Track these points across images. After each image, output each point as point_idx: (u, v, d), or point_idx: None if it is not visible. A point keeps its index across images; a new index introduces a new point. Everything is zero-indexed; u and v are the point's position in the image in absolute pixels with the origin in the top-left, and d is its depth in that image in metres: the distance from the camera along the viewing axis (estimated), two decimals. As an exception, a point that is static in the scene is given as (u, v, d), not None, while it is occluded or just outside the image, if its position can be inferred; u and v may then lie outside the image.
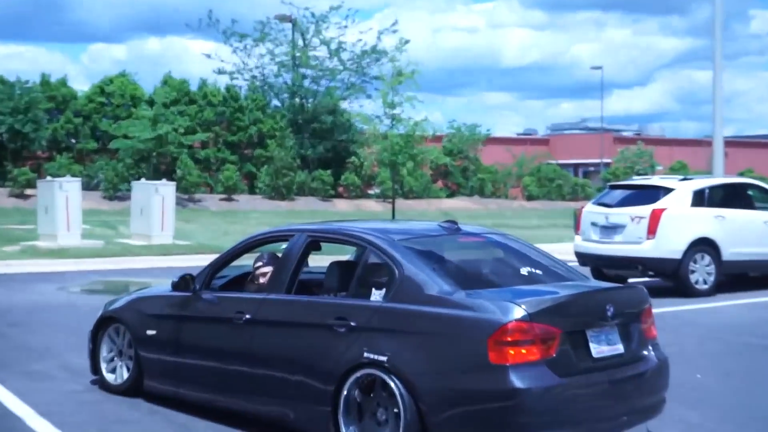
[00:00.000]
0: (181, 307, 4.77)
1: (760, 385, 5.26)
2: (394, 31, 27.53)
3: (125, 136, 24.60)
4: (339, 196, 28.35)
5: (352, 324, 3.83)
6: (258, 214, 23.44)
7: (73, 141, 25.53)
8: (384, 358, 3.64)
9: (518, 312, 3.39)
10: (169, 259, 12.46)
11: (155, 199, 14.43)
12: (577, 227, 10.27)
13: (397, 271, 3.84)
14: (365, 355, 3.70)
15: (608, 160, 37.29)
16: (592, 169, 40.74)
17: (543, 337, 3.45)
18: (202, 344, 4.61)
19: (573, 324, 3.61)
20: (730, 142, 31.18)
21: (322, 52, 27.05)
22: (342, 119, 27.44)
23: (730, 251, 9.15)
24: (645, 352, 3.92)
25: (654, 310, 4.07)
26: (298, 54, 26.87)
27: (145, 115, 24.87)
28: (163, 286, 5.26)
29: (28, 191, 20.94)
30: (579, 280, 4.25)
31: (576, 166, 41.68)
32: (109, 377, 5.09)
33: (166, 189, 14.91)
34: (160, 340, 4.82)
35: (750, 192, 10.18)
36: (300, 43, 26.85)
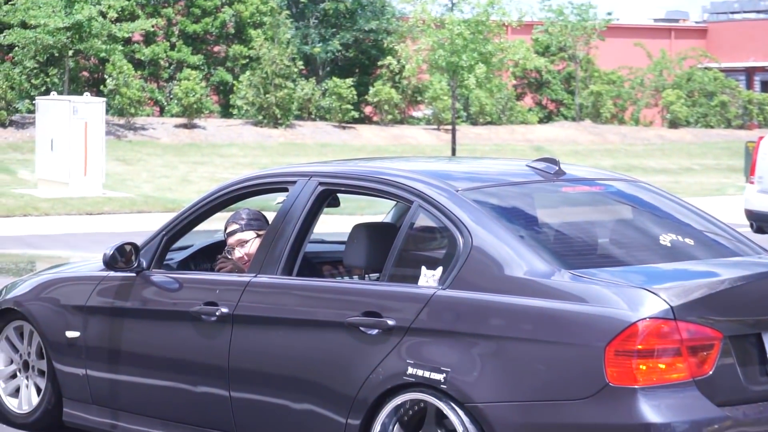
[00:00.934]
0: (118, 294, 3.70)
1: None
2: None
3: (24, 25, 16.28)
4: (366, 120, 19.35)
5: (390, 323, 2.94)
6: (236, 148, 17.21)
7: None
8: (440, 377, 2.81)
9: (656, 305, 2.57)
10: (96, 220, 9.53)
11: (74, 124, 10.47)
12: (751, 170, 7.66)
13: (462, 240, 2.92)
14: (410, 371, 2.87)
15: None
16: None
17: (694, 344, 2.67)
18: (152, 353, 3.59)
19: (742, 324, 2.80)
20: None
21: None
22: (369, 1, 18.42)
23: None
24: None
25: None
26: None
27: None
28: (89, 262, 4.29)
29: None
30: (752, 255, 3.25)
31: (751, 71, 27.70)
32: (10, 403, 4.04)
33: (91, 108, 10.74)
34: (87, 346, 3.76)
35: None
36: None
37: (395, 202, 3.57)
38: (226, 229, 3.74)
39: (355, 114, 19.58)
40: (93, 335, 3.78)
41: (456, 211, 2.97)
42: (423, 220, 3.17)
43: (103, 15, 17.35)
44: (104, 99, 13.32)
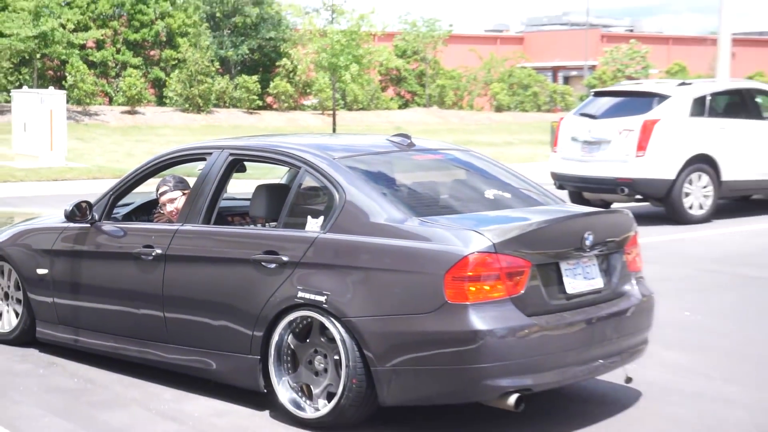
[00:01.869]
0: (77, 240, 4.30)
1: (756, 323, 4.90)
2: None
3: (0, 34, 19.95)
4: (268, 107, 23.87)
5: (284, 259, 3.44)
6: (169, 129, 20.86)
7: None
8: (322, 298, 3.29)
9: (481, 242, 3.07)
10: (60, 185, 11.16)
11: (41, 111, 12.88)
12: (554, 143, 9.27)
13: (338, 196, 3.44)
14: (300, 294, 3.35)
15: (594, 63, 32.28)
16: (574, 73, 35.71)
17: (510, 271, 3.14)
18: (104, 284, 4.18)
19: (545, 256, 3.31)
20: (739, 41, 26.75)
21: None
22: (270, 12, 23.46)
23: (731, 171, 8.38)
24: (627, 288, 3.64)
25: (640, 239, 3.77)
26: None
27: (24, 7, 20.00)
28: (54, 216, 4.77)
29: None
30: (554, 205, 3.89)
31: (555, 69, 36.59)
32: None
33: (55, 99, 13.28)
34: (53, 280, 4.38)
35: (759, 99, 9.11)
36: None
37: (288, 168, 4.03)
38: (158, 190, 4.23)
39: (260, 103, 24.40)
40: (58, 272, 4.34)
41: (333, 174, 3.45)
42: (309, 182, 3.66)
43: (63, 26, 21.75)
44: (65, 92, 15.40)
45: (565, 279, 3.30)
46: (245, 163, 3.96)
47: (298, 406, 3.26)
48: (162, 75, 24.17)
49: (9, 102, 14.91)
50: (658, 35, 41.16)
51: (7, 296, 4.60)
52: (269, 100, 24.23)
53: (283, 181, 4.15)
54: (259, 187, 3.79)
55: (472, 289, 3.05)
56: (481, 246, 3.02)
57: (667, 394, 3.67)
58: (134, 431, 3.13)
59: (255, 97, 23.23)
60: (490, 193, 3.80)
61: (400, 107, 27.08)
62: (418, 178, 3.94)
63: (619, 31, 41.68)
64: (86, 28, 22.70)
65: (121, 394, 3.67)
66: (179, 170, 4.24)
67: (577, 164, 8.62)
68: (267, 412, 3.31)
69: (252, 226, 3.98)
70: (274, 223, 3.66)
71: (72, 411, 3.36)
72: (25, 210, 8.71)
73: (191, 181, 4.02)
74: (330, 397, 3.20)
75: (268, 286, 3.40)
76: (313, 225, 3.48)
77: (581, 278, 3.38)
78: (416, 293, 3.15)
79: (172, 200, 4.06)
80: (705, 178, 8.31)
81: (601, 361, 3.39)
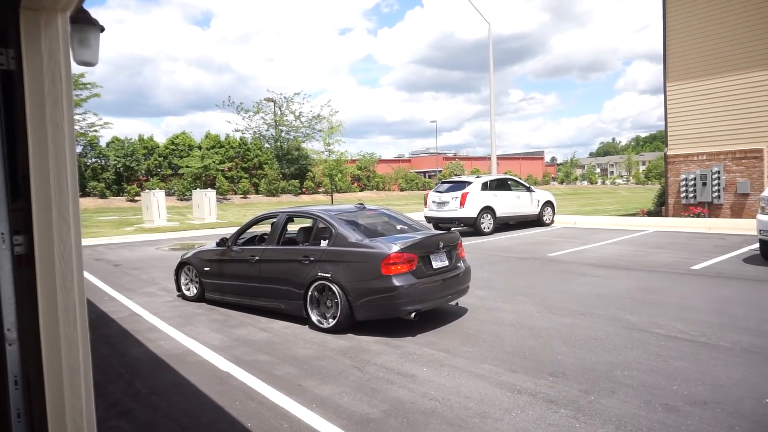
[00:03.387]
0: (222, 254, 7.21)
1: (514, 276, 8.93)
2: (329, 105, 52.12)
3: (187, 166, 38.04)
4: (303, 193, 42.16)
5: (312, 258, 5.99)
6: (261, 204, 35.19)
7: (159, 170, 40.29)
8: (329, 275, 5.77)
9: (396, 248, 5.57)
10: (214, 230, 19.45)
11: (205, 199, 23.48)
12: (424, 203, 16.84)
13: (334, 231, 6.00)
14: (319, 274, 5.86)
15: (441, 169, 58.41)
16: (432, 173, 61.34)
17: (409, 259, 5.56)
18: (234, 273, 7.00)
19: (423, 251, 5.79)
20: (500, 157, 51.77)
21: (290, 117, 44.05)
22: (303, 153, 43.25)
23: (500, 211, 16.01)
24: (459, 264, 6.34)
25: (463, 242, 7.07)
26: (277, 118, 44.12)
27: (197, 155, 39.06)
28: (211, 244, 7.68)
29: (137, 198, 34.04)
30: (426, 230, 6.61)
31: (425, 173, 61.99)
32: (187, 293, 7.72)
33: (211, 193, 24.00)
34: (212, 272, 7.29)
35: (509, 182, 17.05)
36: (278, 112, 44.19)
37: (312, 219, 6.60)
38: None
39: (299, 191, 41.82)
40: (213, 269, 7.14)
41: (331, 221, 6.13)
42: (321, 225, 6.35)
43: (214, 162, 40.02)
44: (215, 190, 27.98)
45: (432, 262, 5.86)
46: (294, 218, 6.89)
47: (320, 322, 5.94)
48: (257, 181, 41.29)
49: (191, 196, 28.18)
50: (466, 156, 75.09)
51: (191, 281, 7.53)
52: (303, 189, 41.83)
53: (310, 225, 6.84)
54: (300, 228, 6.81)
55: (393, 268, 5.51)
56: (396, 249, 5.59)
57: (476, 310, 6.83)
58: (247, 336, 5.98)
59: (297, 189, 41.07)
60: (398, 226, 6.61)
61: (360, 191, 45.91)
62: (368, 221, 6.66)
63: (450, 155, 75.77)
64: (224, 162, 39.88)
65: (243, 321, 6.65)
66: (266, 222, 7.44)
67: (435, 212, 16.07)
68: (306, 327, 6.25)
69: (298, 245, 6.49)
70: (307, 243, 6.43)
71: (220, 329, 6.38)
72: (198, 242, 15.01)
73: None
74: (333, 318, 5.81)
75: (306, 270, 6.05)
76: (324, 243, 6.17)
77: (439, 261, 5.97)
78: (369, 270, 5.57)
79: (266, 234, 7.11)
80: (489, 215, 15.73)
81: (449, 296, 6.08)
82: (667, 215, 19.03)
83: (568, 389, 4.34)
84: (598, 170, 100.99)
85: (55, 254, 1.84)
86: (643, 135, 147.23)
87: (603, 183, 76.30)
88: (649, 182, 71.11)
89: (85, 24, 3.11)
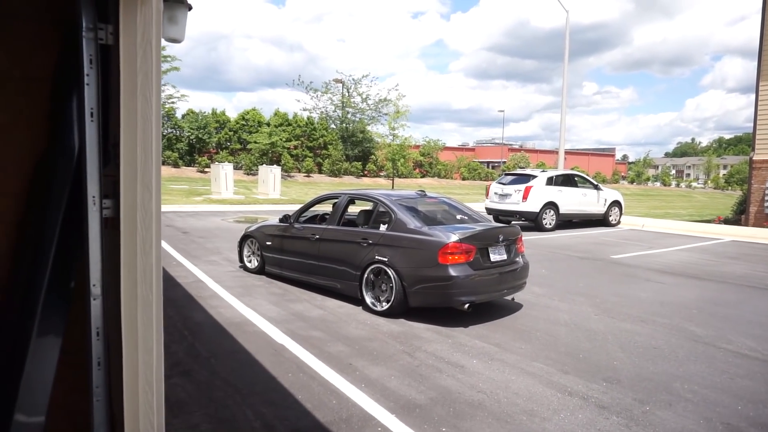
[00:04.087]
0: (284, 230, 7.39)
1: (573, 276, 8.73)
2: (396, 89, 51.99)
3: (255, 142, 38.70)
4: (365, 175, 42.81)
5: (370, 242, 6.05)
6: (323, 184, 35.66)
7: (229, 144, 40.75)
8: (386, 259, 5.84)
9: (454, 237, 5.54)
10: (277, 206, 20.01)
11: (270, 175, 24.22)
12: (486, 194, 16.60)
13: (393, 216, 6.06)
14: (376, 257, 5.94)
15: (505, 160, 58.54)
16: (496, 164, 60.58)
17: (467, 250, 5.52)
18: (294, 249, 7.19)
19: (482, 243, 5.76)
20: (568, 152, 49.33)
21: (357, 99, 44.32)
22: (367, 135, 43.42)
23: (564, 208, 15.62)
24: (518, 259, 6.26)
25: (524, 237, 6.89)
26: (344, 100, 44.14)
27: (265, 131, 39.65)
28: (274, 220, 7.94)
29: (206, 170, 34.62)
30: (486, 222, 6.58)
31: (489, 163, 61.43)
32: (248, 265, 8.02)
33: (276, 170, 24.73)
34: (273, 246, 7.50)
35: (575, 178, 16.65)
36: (346, 93, 44.35)
37: (372, 203, 6.59)
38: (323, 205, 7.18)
39: (361, 173, 42.48)
40: (275, 243, 7.35)
41: (391, 206, 6.14)
42: (381, 209, 6.30)
43: (281, 140, 40.03)
44: (280, 167, 31.66)
45: (491, 254, 5.81)
46: (355, 200, 7.03)
47: (374, 305, 6.00)
48: (321, 161, 41.49)
49: (257, 171, 27.70)
50: (533, 149, 71.85)
51: (254, 253, 7.79)
52: (366, 172, 42.54)
53: (370, 209, 6.76)
54: (361, 211, 6.80)
55: (450, 257, 5.48)
56: (454, 239, 5.54)
57: (531, 306, 6.75)
58: (303, 312, 6.15)
59: (359, 171, 41.93)
60: (458, 216, 6.57)
61: (421, 177, 45.89)
62: (428, 209, 6.61)
63: (516, 147, 72.28)
64: (290, 140, 40.33)
65: (299, 296, 6.85)
66: (328, 202, 7.56)
67: (496, 204, 15.87)
68: (360, 308, 6.36)
69: (358, 227, 6.50)
70: (366, 226, 6.40)
71: (278, 303, 6.59)
72: (262, 216, 15.74)
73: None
74: (387, 301, 5.87)
75: (363, 253, 6.12)
76: (383, 227, 6.17)
77: (497, 254, 5.90)
78: (426, 258, 5.58)
79: (327, 213, 7.24)
80: (552, 211, 15.34)
81: (505, 290, 6.04)
82: (746, 225, 17.87)
83: (622, 397, 4.22)
84: (673, 171, 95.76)
85: (138, 219, 1.97)
86: (727, 137, 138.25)
87: (678, 185, 72.33)
88: (730, 188, 66.75)
89: (174, 2, 3.28)
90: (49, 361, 2.09)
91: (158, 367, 2.05)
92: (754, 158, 18.01)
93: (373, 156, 43.44)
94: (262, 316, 6.08)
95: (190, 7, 3.32)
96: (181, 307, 6.36)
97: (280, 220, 7.50)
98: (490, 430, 3.65)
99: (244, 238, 8.19)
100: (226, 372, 4.45)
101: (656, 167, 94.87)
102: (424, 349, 5.17)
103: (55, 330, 2.09)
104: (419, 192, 6.93)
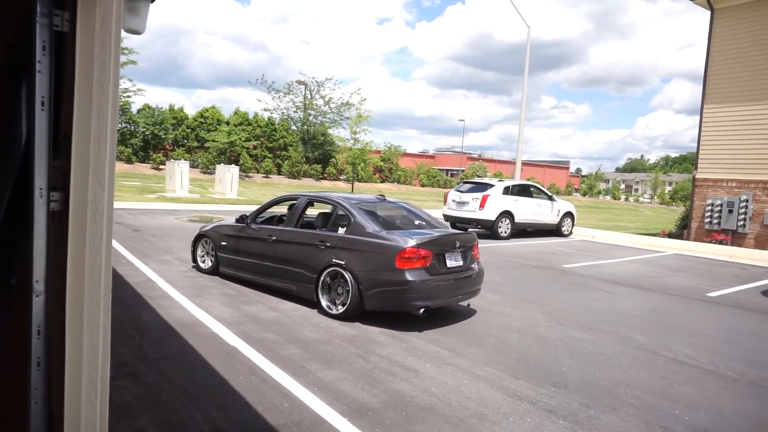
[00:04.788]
0: (240, 231, 7.26)
1: (526, 284, 8.95)
2: (359, 93, 51.10)
3: (213, 140, 38.48)
4: (324, 178, 42.81)
5: (328, 244, 6.02)
6: (282, 185, 35.66)
7: (186, 141, 40.15)
8: (343, 262, 5.80)
9: (412, 243, 5.57)
10: (234, 206, 19.56)
11: (228, 174, 23.61)
12: (444, 202, 16.73)
13: (352, 219, 6.04)
14: (333, 260, 5.89)
15: (464, 168, 59.66)
16: (455, 172, 61.92)
17: (423, 255, 5.56)
18: (250, 250, 7.07)
19: (439, 249, 5.79)
20: (525, 163, 51.53)
21: (320, 101, 44.55)
22: (328, 138, 43.54)
23: (519, 217, 15.95)
24: (473, 265, 6.33)
25: (480, 245, 7.09)
26: (307, 102, 44.21)
27: (224, 130, 39.31)
28: (230, 220, 7.78)
29: (161, 167, 34.23)
30: (443, 228, 6.60)
31: (448, 171, 62.78)
32: (202, 265, 7.83)
33: (234, 169, 24.12)
34: (228, 247, 7.37)
35: (531, 189, 16.88)
36: (308, 95, 44.31)
37: (332, 206, 6.60)
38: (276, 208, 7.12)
39: (321, 176, 42.46)
40: (230, 244, 7.19)
41: (351, 209, 6.12)
42: (340, 212, 6.32)
43: (240, 139, 39.40)
44: (238, 166, 30.43)
45: (447, 260, 5.85)
46: (314, 202, 6.92)
47: (329, 308, 5.96)
48: (281, 162, 41.36)
49: (215, 170, 27.39)
50: (491, 159, 74.27)
51: (207, 254, 7.62)
52: (325, 175, 42.51)
53: (329, 211, 6.85)
54: (319, 213, 6.87)
55: (406, 262, 5.50)
56: (411, 244, 5.57)
57: (485, 313, 6.85)
58: (257, 314, 6.05)
59: (319, 174, 41.84)
60: (416, 221, 6.64)
61: (381, 182, 46.65)
62: (387, 214, 6.67)
63: (475, 156, 74.38)
64: (250, 140, 40.12)
65: (253, 298, 6.74)
66: (285, 203, 7.51)
67: (454, 211, 15.99)
68: (315, 311, 6.29)
69: (315, 229, 6.51)
70: (324, 229, 6.43)
71: (231, 304, 6.45)
72: (217, 216, 15.38)
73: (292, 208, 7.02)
74: (343, 305, 5.81)
75: (321, 255, 6.07)
76: (341, 230, 6.20)
77: (453, 260, 5.94)
78: (383, 262, 5.57)
79: (284, 215, 7.15)
80: (507, 220, 15.71)
81: (460, 296, 6.08)
82: (688, 239, 18.74)
83: (569, 401, 4.34)
84: (622, 186, 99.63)
85: (88, 214, 1.90)
86: (673, 155, 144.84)
87: (626, 199, 75.21)
88: (674, 204, 69.89)
89: (136, -7, 3.18)
90: (-14, 360, 1.99)
91: (104, 367, 1.98)
92: (696, 176, 18.94)
93: (333, 159, 44.14)
94: (214, 318, 5.95)
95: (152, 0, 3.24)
96: (130, 307, 6.16)
97: (237, 220, 7.36)
98: (441, 434, 3.68)
99: (198, 238, 8.02)
100: (175, 374, 4.33)
101: (607, 181, 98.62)
102: (378, 353, 5.18)
103: (-6, 327, 1.99)
104: (379, 196, 6.96)
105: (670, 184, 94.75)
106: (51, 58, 1.86)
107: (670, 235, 20.39)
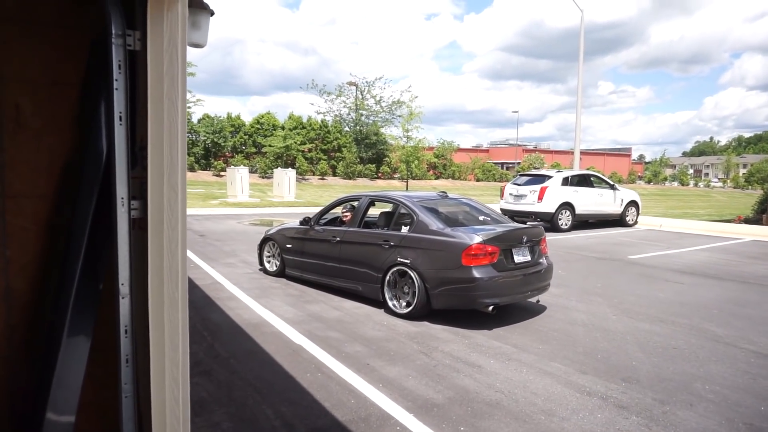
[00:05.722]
0: (304, 233, 7.36)
1: (591, 276, 8.69)
2: (409, 91, 53.51)
3: (270, 145, 39.54)
4: (379, 178, 43.18)
5: (392, 243, 6.03)
6: (338, 187, 36.04)
7: (244, 147, 41.59)
8: (408, 261, 5.81)
9: (478, 239, 5.48)
10: (292, 209, 20.45)
11: (285, 178, 24.45)
12: (501, 195, 16.48)
13: (415, 218, 6.03)
14: (398, 259, 5.91)
15: (519, 161, 58.31)
16: (510, 165, 61.18)
17: (490, 252, 5.46)
18: (314, 252, 7.16)
19: (506, 245, 5.69)
20: (583, 152, 49.46)
21: (371, 101, 44.55)
22: (381, 138, 43.65)
23: (579, 209, 15.45)
24: (541, 260, 6.20)
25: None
26: (358, 102, 44.41)
27: (279, 135, 40.18)
28: (294, 222, 7.86)
29: (222, 173, 35.49)
30: (509, 223, 6.52)
31: (503, 164, 62.31)
32: (268, 268, 8.01)
33: (291, 173, 25.07)
34: (293, 249, 7.48)
35: (591, 178, 16.49)
36: (359, 96, 44.55)
37: (393, 205, 6.57)
38: (342, 210, 7.09)
39: (375, 176, 42.52)
40: (295, 246, 7.30)
41: (413, 207, 6.07)
42: (402, 211, 6.28)
43: (295, 143, 39.87)
44: (295, 170, 30.16)
45: (514, 256, 5.71)
46: (375, 202, 7.00)
47: (396, 307, 5.93)
48: (335, 163, 42.09)
49: (272, 174, 27.73)
50: (547, 150, 71.86)
51: (274, 256, 7.81)
52: (379, 174, 42.95)
53: (390, 210, 6.76)
54: (382, 213, 6.79)
55: (473, 259, 5.40)
56: (478, 240, 5.46)
57: (548, 307, 6.73)
58: (320, 313, 6.15)
59: (373, 173, 42.18)
60: (480, 217, 6.50)
61: (435, 179, 46.26)
62: (450, 210, 6.56)
63: (530, 148, 71.96)
64: (305, 144, 40.65)
65: (316, 298, 6.89)
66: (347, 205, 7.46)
67: (511, 205, 15.64)
68: (376, 309, 6.36)
69: (378, 229, 6.49)
70: (387, 228, 6.37)
71: (295, 304, 6.61)
72: (278, 218, 15.98)
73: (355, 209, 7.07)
74: (409, 304, 5.79)
75: (385, 255, 6.09)
76: (404, 229, 6.19)
77: (521, 256, 5.80)
78: (449, 260, 5.49)
79: (346, 215, 7.25)
80: (568, 212, 15.20)
81: (529, 292, 5.93)
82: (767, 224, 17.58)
83: (642, 397, 4.19)
84: (691, 171, 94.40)
85: (164, 220, 2.02)
86: (746, 135, 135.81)
87: (696, 185, 71.31)
88: (750, 187, 65.62)
89: (197, 8, 3.34)
90: (80, 359, 2.15)
91: (184, 364, 2.10)
92: (774, 157, 17.67)
93: (387, 158, 44.19)
94: (279, 317, 6.13)
95: (212, 13, 3.39)
96: (200, 309, 6.44)
97: (301, 223, 7.45)
98: (508, 430, 3.65)
99: (264, 241, 8.18)
100: (245, 372, 4.51)
101: (673, 167, 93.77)
102: (441, 349, 5.19)
103: (85, 328, 2.15)
104: (440, 193, 6.89)
105: (745, 166, 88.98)
106: (126, 76, 1.99)
107: (747, 221, 19.21)
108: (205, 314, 6.21)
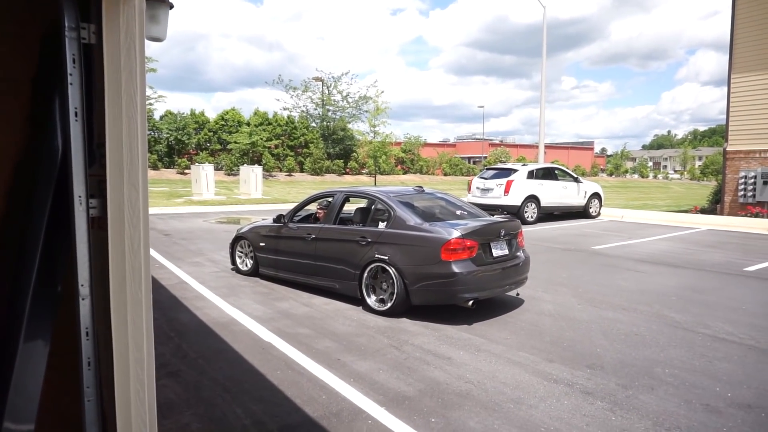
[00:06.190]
0: (278, 231, 7.21)
1: (556, 267, 8.88)
2: (375, 86, 55.77)
3: (235, 142, 38.79)
4: (346, 173, 42.80)
5: (369, 240, 5.93)
6: (305, 183, 35.86)
7: (208, 144, 40.80)
8: (386, 257, 5.72)
9: (456, 233, 5.45)
10: (260, 206, 20.11)
11: (252, 175, 23.85)
12: (468, 189, 16.79)
13: (392, 213, 5.94)
14: (376, 255, 5.80)
15: (486, 155, 58.66)
16: (477, 159, 61.33)
17: (469, 246, 5.44)
18: (289, 250, 7.02)
19: (484, 239, 5.67)
20: (547, 146, 51.14)
21: (337, 97, 44.35)
22: (348, 133, 43.40)
23: (545, 201, 15.73)
24: (519, 253, 6.21)
25: None
26: (324, 98, 44.19)
27: (245, 131, 39.64)
28: (267, 220, 7.72)
29: (186, 171, 34.87)
30: (486, 217, 6.42)
31: (470, 158, 62.06)
32: (241, 267, 7.83)
33: (258, 169, 24.34)
34: (267, 247, 7.33)
35: (556, 172, 16.80)
36: (326, 91, 44.35)
37: (368, 200, 6.52)
38: (317, 207, 7.03)
39: (343, 171, 42.16)
40: (268, 244, 7.15)
41: (390, 203, 5.99)
42: (379, 206, 6.19)
43: (261, 139, 39.29)
44: (261, 166, 30.62)
45: (493, 250, 5.68)
46: (350, 198, 6.88)
47: (375, 304, 5.85)
48: (302, 159, 41.64)
49: (238, 171, 27.43)
50: (513, 144, 71.49)
51: (246, 255, 7.63)
52: (347, 170, 42.31)
53: (365, 206, 6.69)
54: (357, 208, 6.70)
55: (452, 254, 5.36)
56: (456, 235, 5.42)
57: (530, 301, 6.82)
58: (289, 310, 6.13)
59: (341, 169, 41.65)
60: (457, 211, 6.43)
61: (403, 174, 45.96)
62: (426, 205, 6.45)
63: (496, 142, 70.93)
64: (271, 140, 40.28)
65: (285, 295, 6.84)
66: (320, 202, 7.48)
67: (478, 198, 15.68)
68: (346, 304, 6.33)
69: (354, 225, 6.42)
70: (363, 224, 6.28)
71: (263, 302, 6.56)
72: (244, 216, 15.89)
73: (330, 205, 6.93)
74: (388, 301, 5.71)
75: (362, 251, 5.96)
76: (381, 225, 6.04)
77: (499, 249, 5.79)
78: (428, 255, 5.45)
79: (321, 212, 7.15)
80: (533, 204, 15.49)
81: (507, 286, 5.90)
82: (722, 214, 18.28)
83: (606, 382, 4.32)
84: (650, 164, 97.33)
85: (125, 218, 1.97)
86: (701, 129, 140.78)
87: (655, 177, 73.57)
88: (705, 179, 68.05)
89: (156, 1, 3.26)
90: (38, 364, 2.08)
91: (149, 365, 2.06)
92: (727, 149, 18.42)
93: (354, 154, 43.61)
94: (248, 316, 6.07)
95: (171, 6, 3.31)
96: (166, 309, 6.32)
97: (274, 220, 7.29)
98: (478, 419, 3.71)
99: (236, 240, 7.99)
100: (214, 371, 4.45)
101: (634, 159, 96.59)
102: (411, 342, 5.22)
103: (43, 332, 2.08)
104: (416, 188, 6.82)
105: (700, 158, 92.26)
106: (81, 70, 1.92)
107: (703, 211, 19.91)
108: (172, 314, 6.09)
